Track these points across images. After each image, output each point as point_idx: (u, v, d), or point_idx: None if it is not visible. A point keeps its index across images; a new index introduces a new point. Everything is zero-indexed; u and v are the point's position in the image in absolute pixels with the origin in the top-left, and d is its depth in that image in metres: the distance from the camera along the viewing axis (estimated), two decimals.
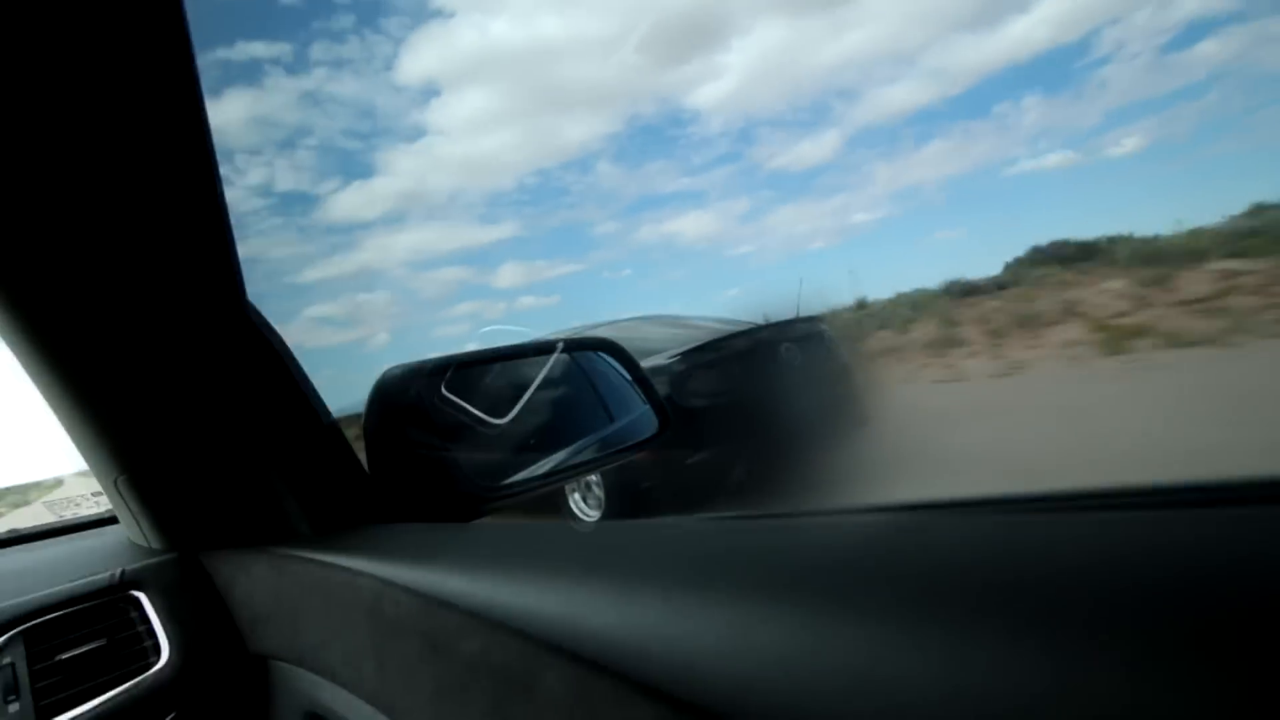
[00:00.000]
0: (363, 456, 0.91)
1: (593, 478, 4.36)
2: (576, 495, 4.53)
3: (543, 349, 0.99)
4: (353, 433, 0.92)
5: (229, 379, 0.84)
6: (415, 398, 0.91)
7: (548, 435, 0.98)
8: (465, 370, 0.95)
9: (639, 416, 1.02)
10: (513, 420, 0.95)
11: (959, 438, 4.72)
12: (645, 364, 3.94)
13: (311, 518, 0.85)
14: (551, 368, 0.98)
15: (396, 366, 0.91)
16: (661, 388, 4.13)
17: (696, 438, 4.03)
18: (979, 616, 0.28)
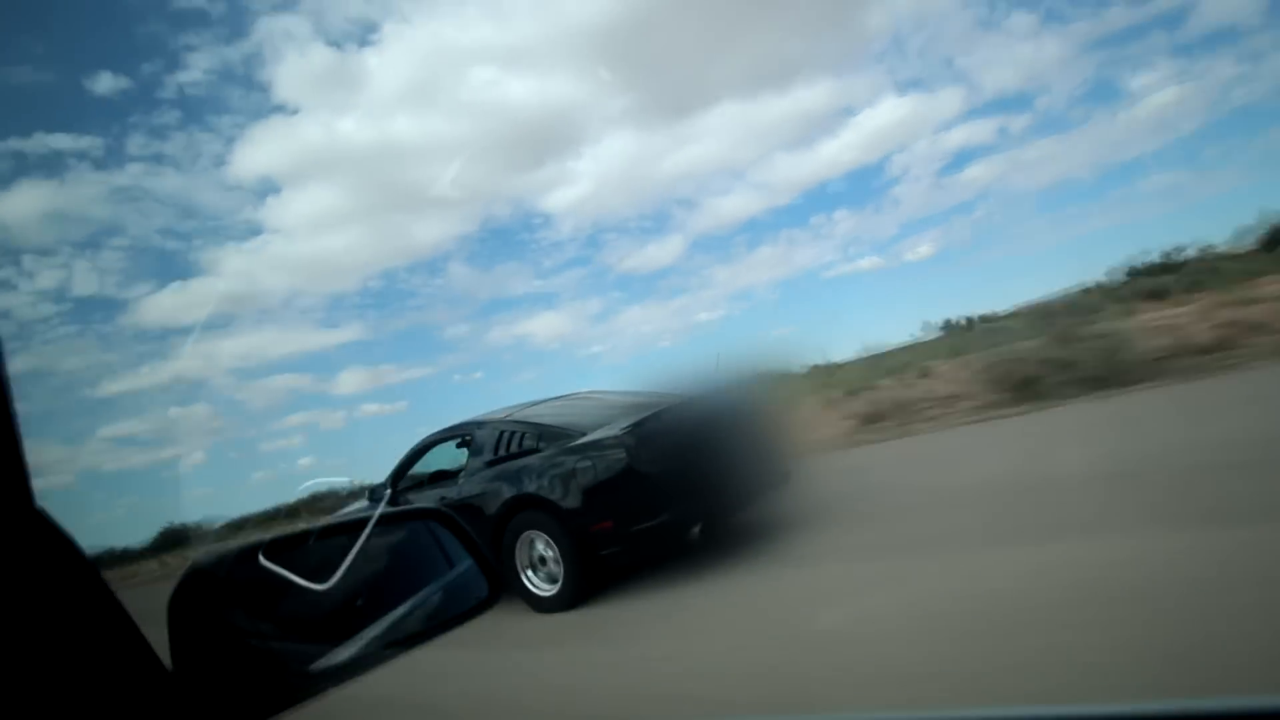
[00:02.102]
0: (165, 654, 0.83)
1: (547, 550, 4.40)
2: (529, 571, 4.50)
3: (360, 522, 0.98)
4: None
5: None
6: (229, 575, 0.86)
7: (374, 600, 0.96)
8: (283, 547, 0.91)
9: (467, 579, 1.03)
10: (336, 584, 0.92)
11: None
12: (593, 437, 4.05)
13: None
14: (376, 537, 0.96)
15: (207, 550, 0.86)
16: (616, 457, 4.12)
17: (654, 502, 4.15)
18: None
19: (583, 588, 4.32)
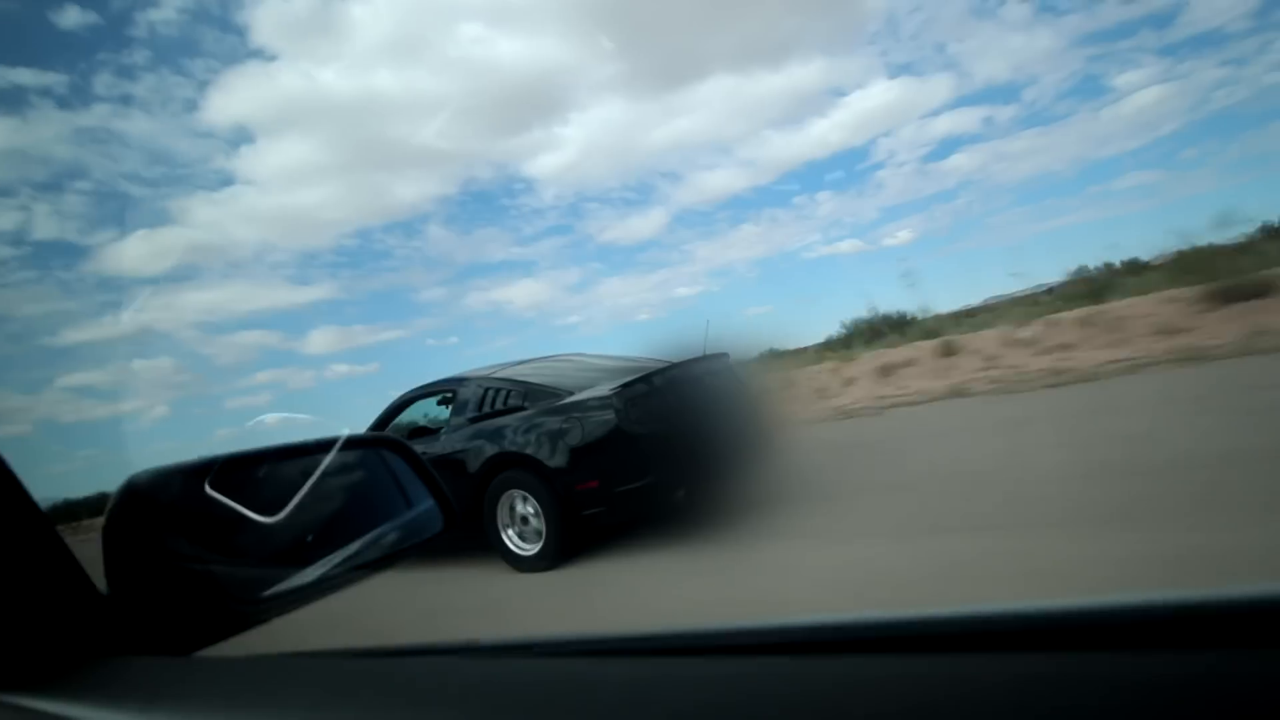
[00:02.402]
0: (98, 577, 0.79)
1: (529, 508, 4.39)
2: (511, 531, 4.49)
3: (320, 446, 0.94)
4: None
5: None
6: (171, 500, 0.82)
7: (324, 535, 0.93)
8: (232, 469, 0.88)
9: (423, 513, 0.99)
10: (286, 518, 0.88)
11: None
12: (581, 396, 4.03)
13: (20, 655, 0.73)
14: (330, 465, 0.93)
15: (146, 470, 0.82)
16: (604, 417, 4.09)
17: (641, 464, 4.14)
18: None
19: (565, 547, 4.32)
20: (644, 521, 4.54)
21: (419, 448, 4.89)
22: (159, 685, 0.67)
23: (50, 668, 0.73)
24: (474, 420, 4.77)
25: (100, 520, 0.81)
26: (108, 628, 0.78)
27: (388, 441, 1.03)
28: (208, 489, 0.84)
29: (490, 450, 4.54)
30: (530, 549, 4.40)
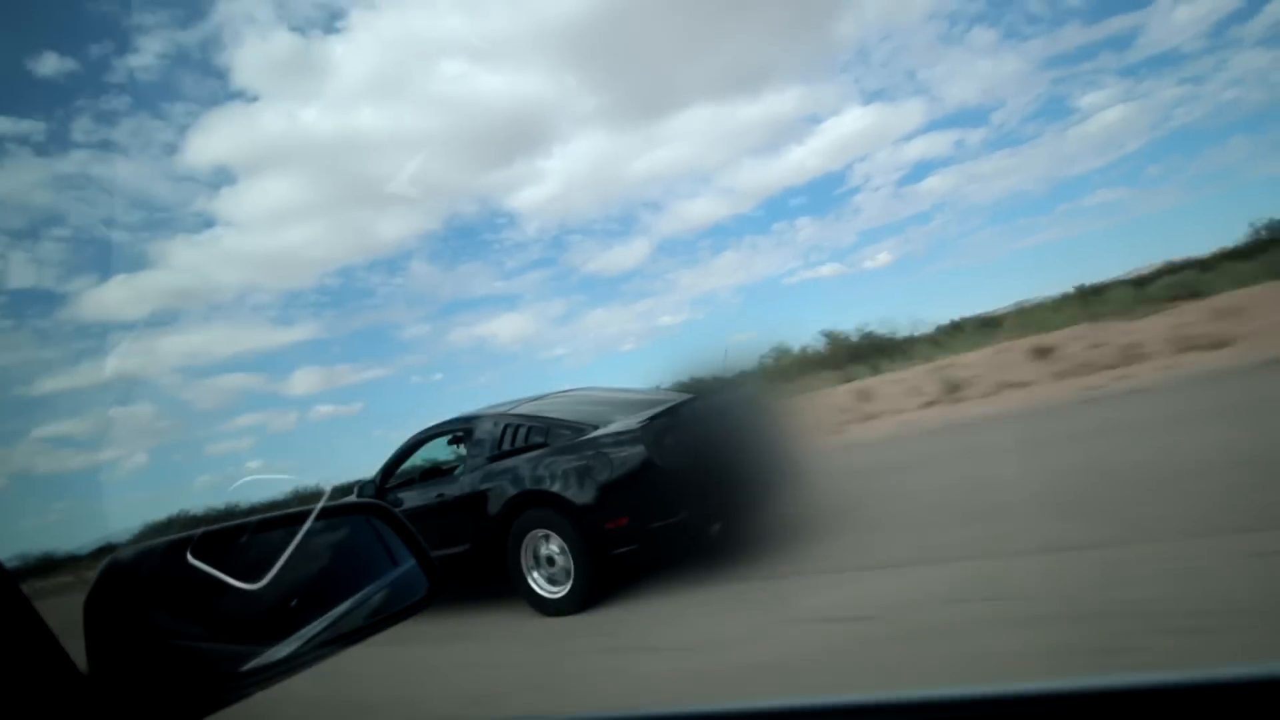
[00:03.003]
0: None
1: (554, 548, 4.27)
2: (535, 572, 4.36)
3: (300, 515, 0.95)
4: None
5: None
6: (153, 573, 0.83)
7: (309, 600, 0.93)
8: (213, 540, 0.89)
9: (407, 576, 0.99)
10: (269, 585, 0.89)
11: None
12: (607, 430, 3.92)
13: None
14: (309, 532, 0.93)
15: (126, 547, 0.83)
16: (633, 451, 3.97)
17: (673, 498, 4.01)
18: None
19: (594, 588, 4.18)
20: (676, 559, 4.35)
21: (434, 490, 4.82)
22: None
23: None
24: (493, 459, 4.67)
25: (73, 580, 0.82)
26: (89, 709, 0.78)
27: (369, 507, 1.03)
28: (190, 558, 0.85)
29: (512, 489, 4.42)
30: (557, 591, 4.26)
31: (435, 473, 5.27)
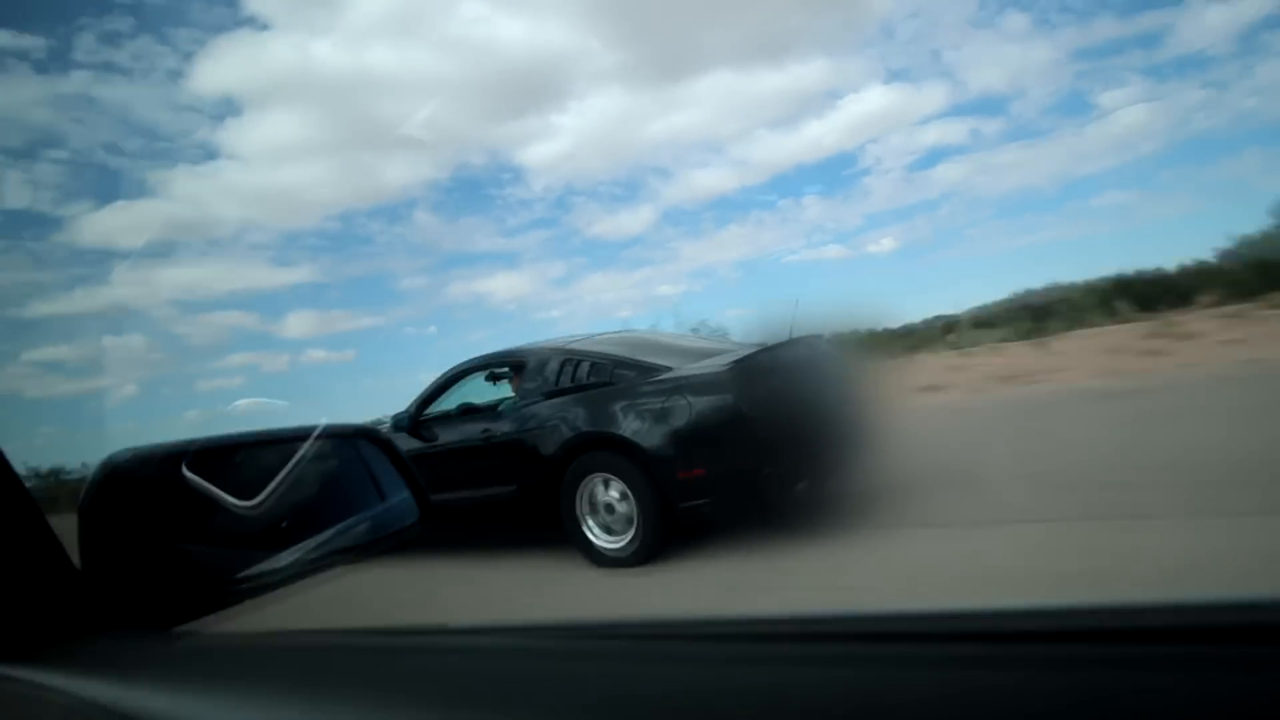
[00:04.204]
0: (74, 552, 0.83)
1: (613, 495, 4.07)
2: (590, 521, 4.16)
3: (298, 435, 0.96)
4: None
5: None
6: (149, 480, 0.85)
7: (300, 521, 0.95)
8: (210, 454, 0.91)
9: (398, 505, 1.00)
10: (262, 504, 0.91)
11: None
12: (687, 372, 3.77)
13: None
14: (306, 453, 0.95)
15: (124, 450, 0.86)
16: (718, 396, 3.77)
17: (760, 451, 3.76)
18: None
19: (657, 542, 3.94)
20: (751, 517, 4.06)
21: (479, 426, 4.67)
22: (139, 660, 0.69)
23: (29, 641, 0.76)
24: (548, 396, 4.36)
25: (56, 496, 0.85)
26: (84, 604, 0.82)
27: (366, 433, 1.04)
28: (185, 472, 0.87)
29: (572, 430, 4.15)
30: (615, 542, 4.04)
31: (477, 409, 4.94)
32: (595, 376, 4.29)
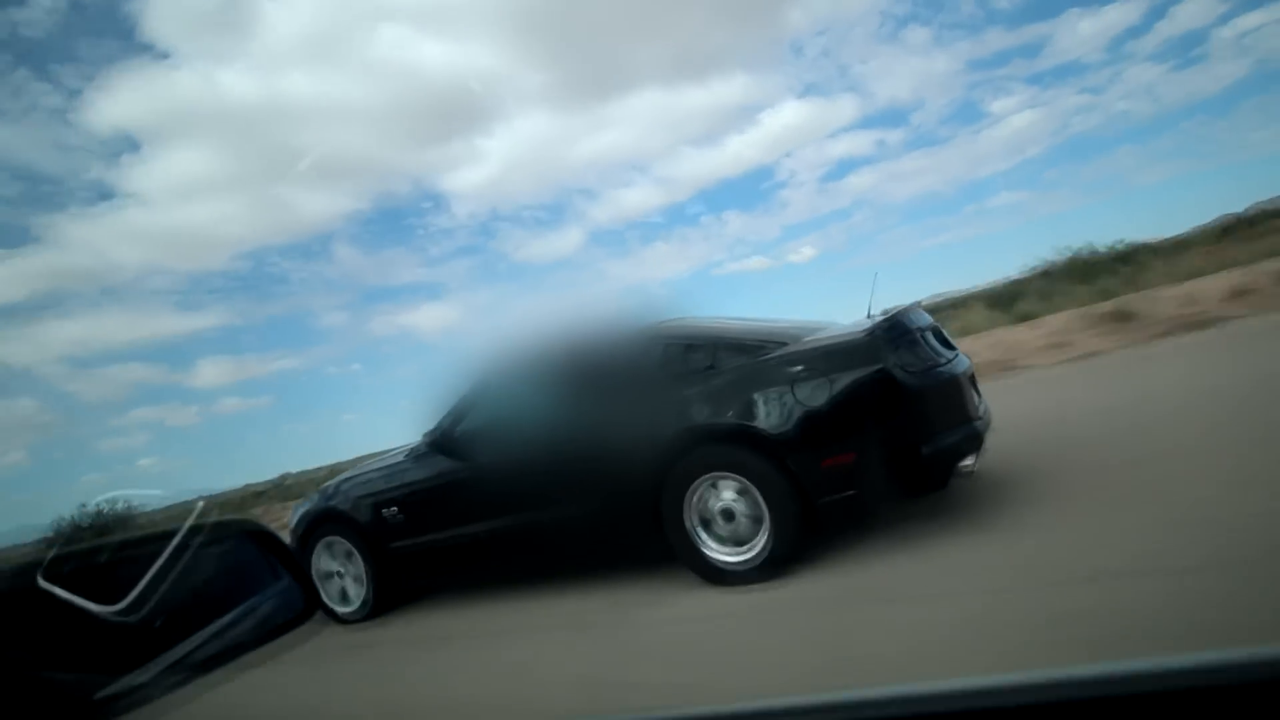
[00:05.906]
0: None
1: (728, 498, 3.54)
2: (702, 530, 3.60)
3: (168, 533, 0.87)
4: None
5: None
6: None
7: (174, 623, 0.87)
8: (67, 560, 0.84)
9: (282, 596, 0.89)
10: (131, 606, 0.83)
11: None
12: (819, 341, 3.38)
13: None
14: (176, 548, 0.86)
15: None
16: (864, 365, 3.31)
17: (921, 423, 3.33)
18: None
19: (792, 548, 3.41)
20: (903, 506, 3.59)
21: (541, 435, 4.00)
22: None
23: None
24: (632, 390, 3.80)
25: None
26: None
27: (243, 525, 0.95)
28: (41, 582, 0.81)
29: (676, 425, 3.55)
30: (737, 555, 3.47)
31: (534, 414, 4.16)
32: (697, 362, 3.71)
